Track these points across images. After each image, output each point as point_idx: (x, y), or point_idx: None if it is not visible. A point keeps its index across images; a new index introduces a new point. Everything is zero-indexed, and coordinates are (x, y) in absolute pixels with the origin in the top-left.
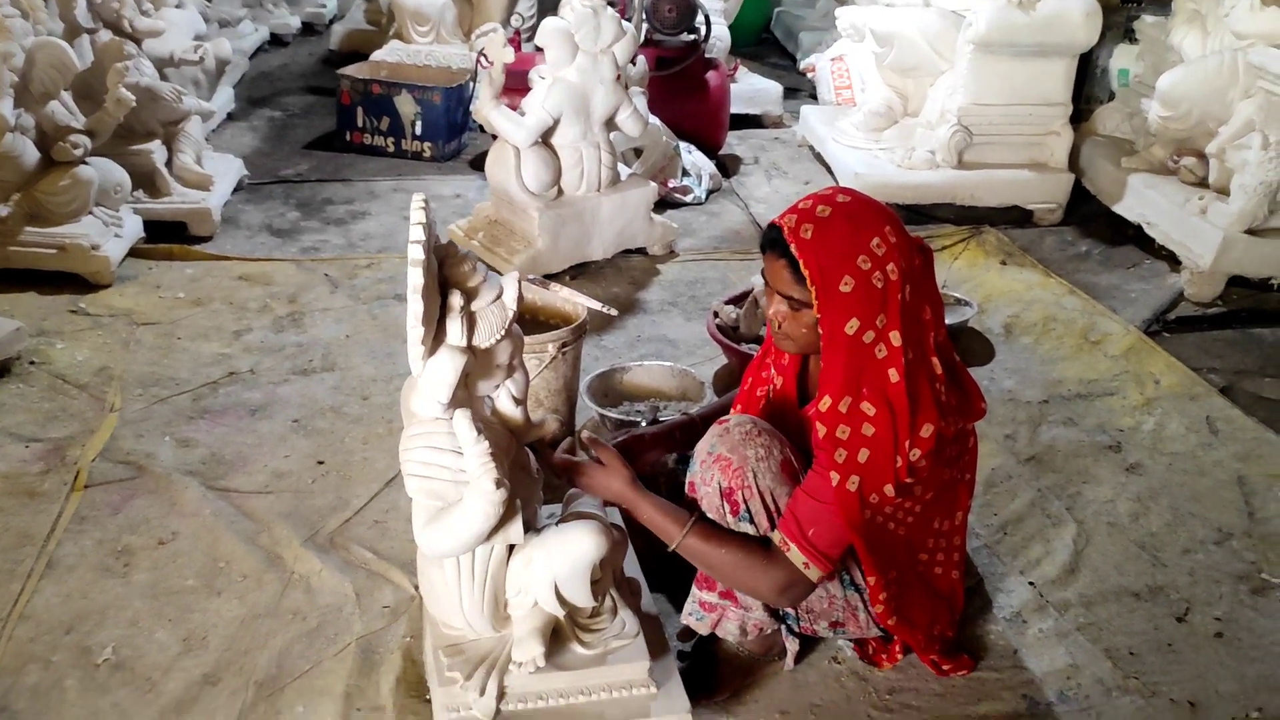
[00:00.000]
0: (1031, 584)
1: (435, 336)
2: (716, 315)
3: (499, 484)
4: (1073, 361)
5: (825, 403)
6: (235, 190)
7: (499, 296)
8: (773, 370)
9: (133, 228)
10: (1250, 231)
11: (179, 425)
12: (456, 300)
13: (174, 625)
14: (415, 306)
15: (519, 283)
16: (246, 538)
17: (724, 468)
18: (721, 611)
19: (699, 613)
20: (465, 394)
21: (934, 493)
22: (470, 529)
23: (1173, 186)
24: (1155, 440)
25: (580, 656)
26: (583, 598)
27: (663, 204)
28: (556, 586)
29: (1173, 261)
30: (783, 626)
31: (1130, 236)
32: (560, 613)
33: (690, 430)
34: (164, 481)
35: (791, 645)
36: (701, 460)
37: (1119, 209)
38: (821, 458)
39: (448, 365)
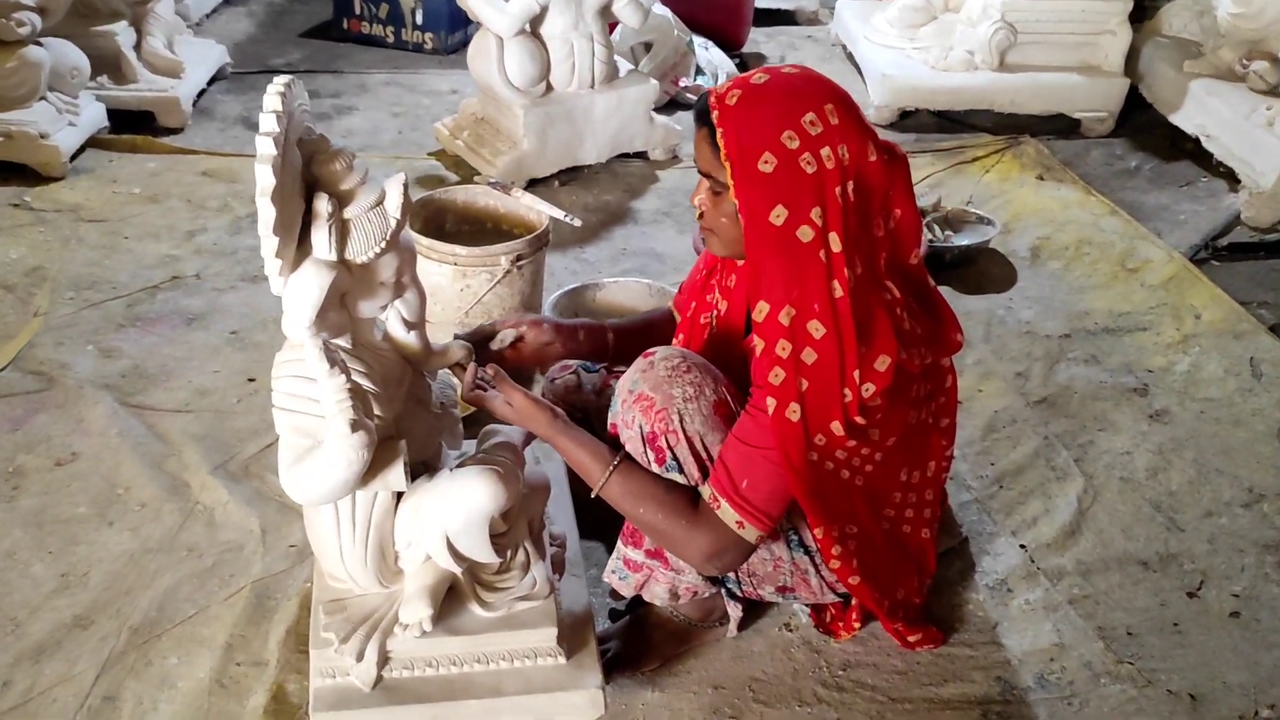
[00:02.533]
0: (1023, 547)
1: (300, 248)
2: None
3: (356, 425)
4: (1104, 291)
5: (762, 310)
6: (216, 80)
7: (380, 201)
8: (717, 293)
9: (92, 116)
10: None
11: (106, 333)
12: (323, 205)
13: (54, 558)
14: (266, 212)
15: (404, 186)
16: (152, 461)
17: (646, 409)
18: (649, 573)
19: (623, 571)
20: (344, 316)
21: (898, 438)
22: (334, 475)
23: (1239, 94)
24: (1188, 384)
25: (479, 619)
26: (482, 553)
27: (673, 105)
28: (449, 540)
29: (1231, 180)
30: (722, 590)
31: (1187, 151)
32: (457, 569)
33: (603, 337)
34: (74, 395)
35: (734, 611)
36: (622, 399)
37: (1176, 119)
38: (755, 394)
39: (312, 282)
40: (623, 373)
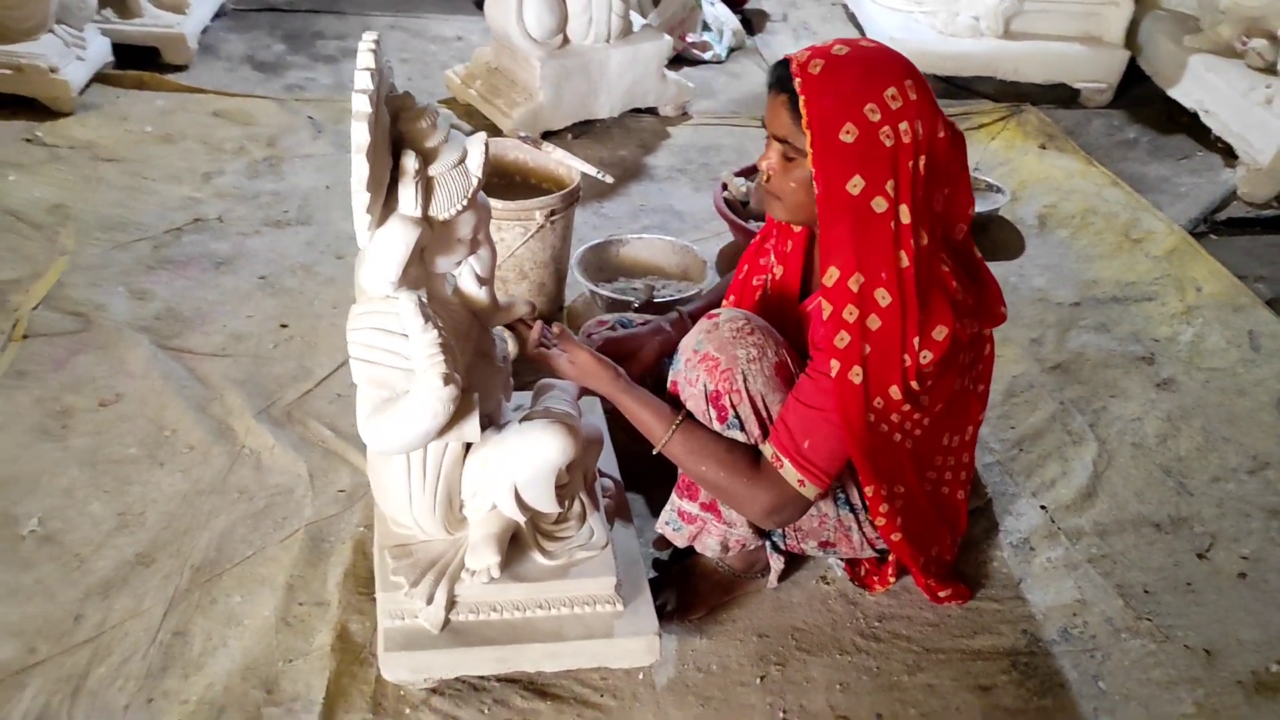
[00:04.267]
0: (1044, 508)
1: (385, 204)
2: (725, 187)
3: (448, 379)
4: (1110, 260)
5: (832, 275)
6: (217, 16)
7: (462, 160)
8: (772, 257)
9: (98, 51)
10: None
11: (136, 275)
12: (411, 163)
13: (110, 497)
14: (360, 168)
15: (486, 146)
16: (196, 405)
17: (710, 369)
18: (702, 525)
19: (677, 522)
20: (421, 271)
21: (944, 404)
22: (417, 426)
23: (1237, 71)
24: (1192, 354)
25: (540, 567)
26: (546, 503)
27: (679, 60)
28: (517, 491)
29: (1228, 155)
30: (767, 543)
31: (1184, 124)
32: (521, 518)
33: (684, 326)
34: (113, 336)
35: (776, 563)
36: (686, 359)
37: (1175, 93)
38: (817, 358)
39: (399, 238)
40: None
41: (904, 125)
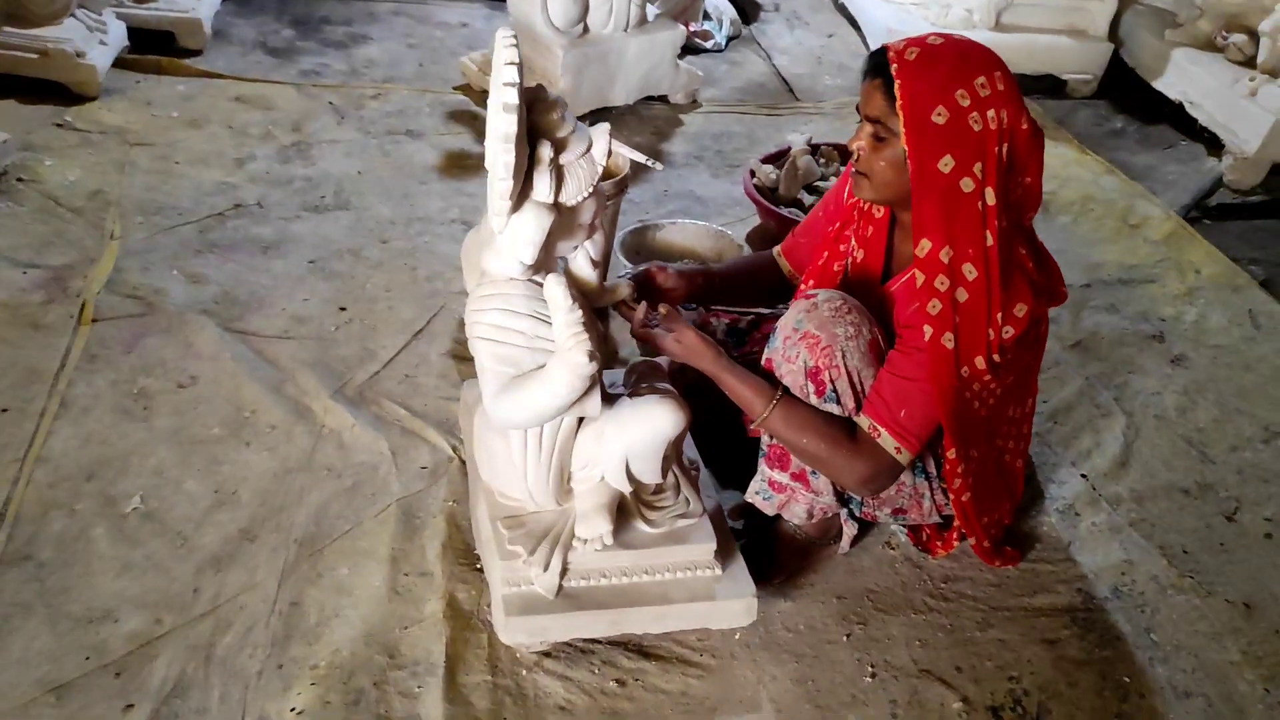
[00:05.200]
0: (1084, 476)
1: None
2: (754, 174)
3: (592, 356)
4: (1112, 245)
5: (925, 247)
6: (223, 1)
7: (588, 149)
8: (853, 242)
9: (117, 35)
10: None
11: (186, 259)
12: (546, 152)
13: (202, 476)
14: (506, 156)
15: (609, 136)
16: (271, 386)
17: (811, 346)
18: (791, 493)
19: (767, 491)
20: (544, 254)
21: (1014, 376)
22: (552, 402)
23: (1219, 64)
24: (1198, 332)
25: (645, 535)
26: (651, 474)
27: (682, 49)
28: (627, 462)
29: (1211, 144)
30: (844, 510)
31: (1166, 115)
32: (628, 489)
33: (710, 281)
34: (177, 320)
35: (850, 529)
36: (785, 336)
37: (1159, 85)
38: (907, 335)
39: (534, 223)
40: (719, 311)
41: (991, 113)
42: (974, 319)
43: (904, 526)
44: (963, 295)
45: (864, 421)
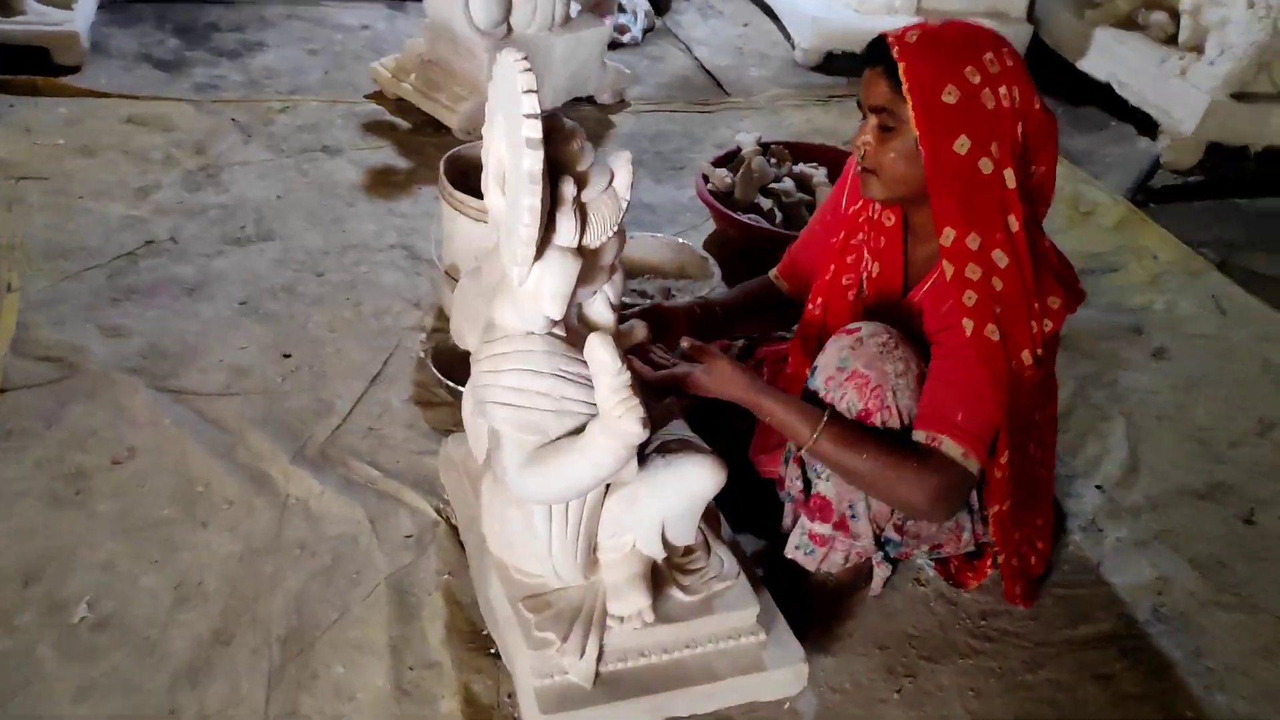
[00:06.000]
0: (1099, 488)
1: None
2: (707, 179)
3: (645, 424)
4: (1069, 234)
5: (949, 235)
6: (96, 8)
7: (610, 182)
8: (866, 255)
9: None
10: (1234, 96)
11: (101, 308)
12: (569, 190)
13: (159, 568)
14: (532, 199)
15: (632, 165)
16: (221, 453)
17: (860, 387)
18: (831, 544)
19: (809, 546)
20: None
21: (1041, 377)
22: (593, 474)
23: (1145, 44)
24: (1172, 321)
25: (682, 604)
26: (688, 536)
27: None
28: (664, 527)
29: (1142, 125)
30: (877, 554)
31: (1092, 96)
32: (661, 555)
33: (710, 313)
34: (102, 382)
35: (883, 571)
36: (828, 377)
37: (1084, 65)
38: (944, 339)
39: (560, 273)
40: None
41: (1003, 89)
42: (1014, 308)
43: (930, 560)
44: (998, 284)
45: (920, 436)
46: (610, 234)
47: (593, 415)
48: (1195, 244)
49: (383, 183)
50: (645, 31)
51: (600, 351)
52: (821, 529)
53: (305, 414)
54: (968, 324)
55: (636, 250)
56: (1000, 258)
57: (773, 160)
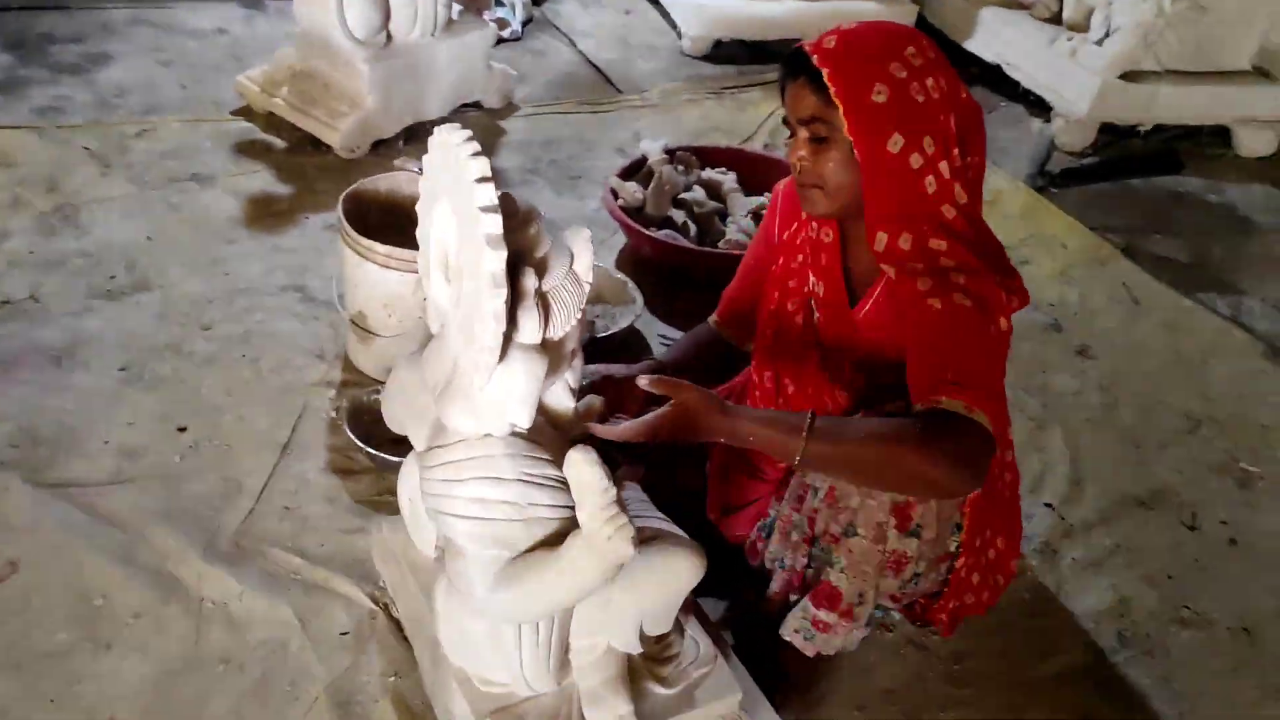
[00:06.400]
0: (1048, 505)
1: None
2: (616, 195)
3: (636, 543)
4: None
5: (881, 240)
6: None
7: (571, 265)
8: (811, 277)
9: None
10: (1123, 76)
11: None
12: (531, 282)
13: (59, 708)
14: (495, 302)
15: (589, 243)
16: (120, 556)
17: None
18: (833, 629)
19: (809, 630)
20: None
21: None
22: (576, 594)
23: (1031, 24)
24: (1087, 315)
25: (662, 700)
26: (666, 626)
27: None
28: (642, 625)
29: (1033, 105)
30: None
31: (977, 76)
32: (638, 651)
33: (664, 373)
34: None
35: (861, 632)
36: None
37: (971, 46)
38: (911, 315)
39: (526, 376)
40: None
41: (930, 81)
42: (976, 277)
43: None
44: (948, 261)
45: (916, 408)
46: (575, 321)
47: (564, 519)
48: (1100, 229)
49: (264, 213)
50: (525, 24)
51: (586, 471)
52: (828, 617)
53: (212, 498)
54: (934, 302)
55: None
56: (938, 244)
57: (680, 168)
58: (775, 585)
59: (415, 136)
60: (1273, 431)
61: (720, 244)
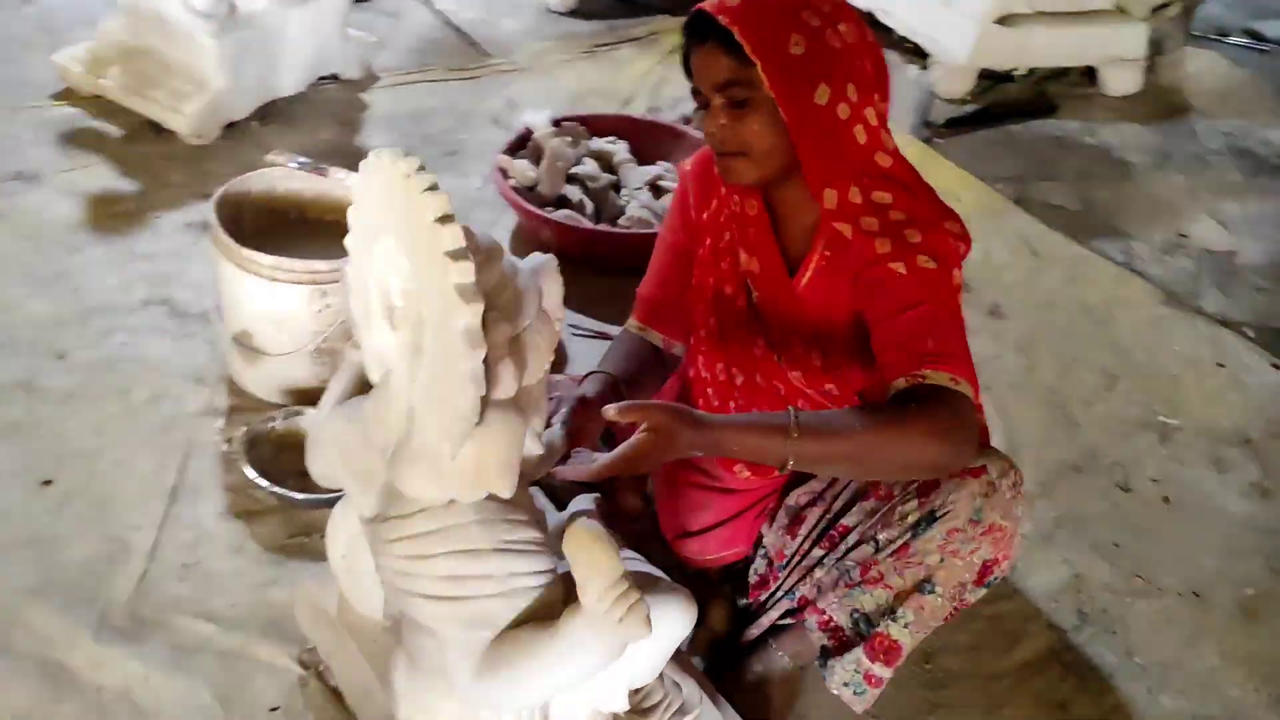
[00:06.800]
0: None
1: None
2: (506, 174)
3: (649, 621)
4: None
5: (831, 198)
6: None
7: (539, 302)
8: (742, 254)
9: None
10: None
11: None
12: (504, 330)
13: None
14: (473, 363)
15: (557, 273)
16: None
17: (997, 540)
18: (883, 684)
19: (861, 686)
20: None
21: None
22: (579, 675)
23: None
24: (992, 272)
25: None
26: (651, 678)
27: None
28: (631, 684)
29: (908, 53)
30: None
31: None
32: (625, 709)
33: (618, 393)
34: None
35: None
36: (955, 529)
37: None
38: (866, 286)
39: (508, 436)
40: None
41: (842, 27)
42: (930, 231)
43: None
44: (899, 215)
45: (898, 384)
46: (548, 365)
47: (546, 585)
48: (990, 179)
49: (108, 214)
50: None
51: (596, 551)
52: (883, 672)
53: (95, 564)
54: (897, 267)
55: None
56: (883, 197)
57: (569, 140)
58: (774, 613)
59: (271, 116)
60: (1181, 380)
61: (622, 221)
